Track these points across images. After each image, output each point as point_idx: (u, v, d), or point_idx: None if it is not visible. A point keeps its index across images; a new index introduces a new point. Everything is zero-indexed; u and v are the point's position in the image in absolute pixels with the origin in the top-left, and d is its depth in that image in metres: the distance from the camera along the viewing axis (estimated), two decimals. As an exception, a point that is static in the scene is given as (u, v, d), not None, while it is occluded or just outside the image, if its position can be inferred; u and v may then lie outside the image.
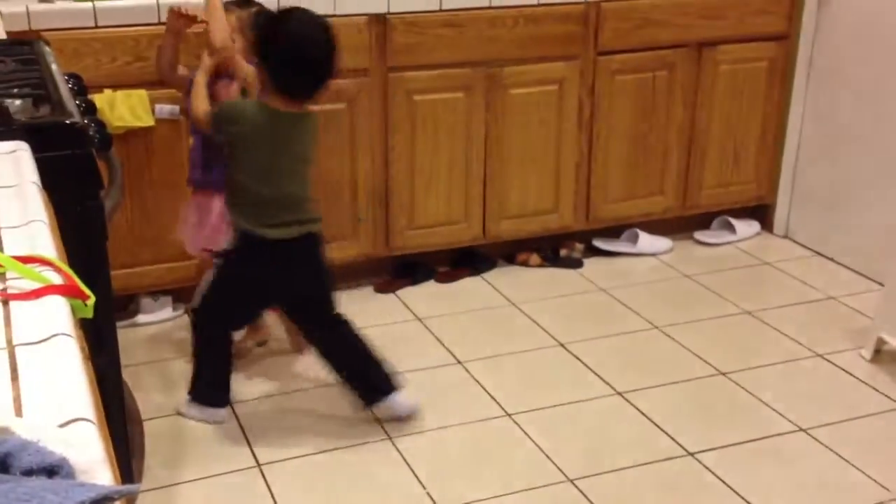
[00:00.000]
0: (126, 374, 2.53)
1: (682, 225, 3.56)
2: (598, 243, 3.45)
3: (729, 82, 3.39)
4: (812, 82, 3.40)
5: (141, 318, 2.93)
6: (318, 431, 2.41)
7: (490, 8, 3.00)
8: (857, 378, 2.66)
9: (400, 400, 2.41)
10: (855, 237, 3.30)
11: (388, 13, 2.89)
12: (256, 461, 2.30)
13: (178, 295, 2.99)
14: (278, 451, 2.33)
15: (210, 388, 2.45)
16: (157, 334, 2.88)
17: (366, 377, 2.42)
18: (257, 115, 2.24)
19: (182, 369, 2.68)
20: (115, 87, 2.66)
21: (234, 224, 2.33)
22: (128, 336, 2.83)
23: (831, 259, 3.40)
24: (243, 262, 2.33)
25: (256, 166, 2.26)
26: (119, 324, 2.88)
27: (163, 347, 2.81)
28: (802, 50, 3.39)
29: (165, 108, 2.73)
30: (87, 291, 0.89)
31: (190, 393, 2.46)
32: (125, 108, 2.67)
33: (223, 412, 2.45)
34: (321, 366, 2.47)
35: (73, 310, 0.88)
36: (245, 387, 2.60)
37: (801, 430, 2.42)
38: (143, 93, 2.69)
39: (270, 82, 2.23)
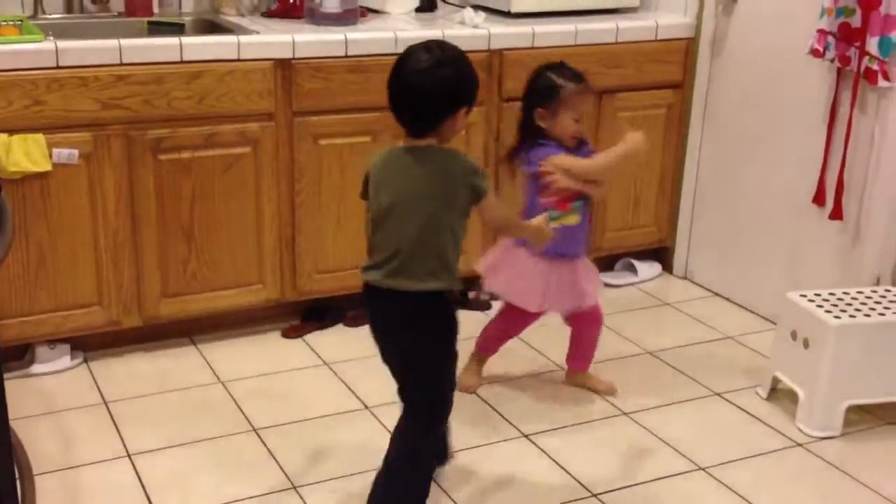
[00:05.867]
0: (18, 427, 2.45)
1: (586, 267, 3.63)
2: (506, 286, 3.49)
3: (631, 127, 3.48)
4: (706, 129, 3.53)
5: (37, 367, 2.84)
6: (217, 487, 2.35)
7: (395, 54, 3.00)
8: (754, 416, 2.74)
9: None
10: (749, 278, 3.42)
11: (294, 58, 2.90)
12: (156, 515, 2.24)
13: (76, 343, 2.91)
14: None
15: None
16: (54, 385, 2.79)
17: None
18: (381, 154, 2.11)
19: (79, 421, 2.60)
20: (11, 131, 2.59)
21: None
22: (22, 386, 2.74)
23: (728, 300, 3.51)
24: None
25: (373, 206, 2.09)
26: (13, 374, 2.79)
27: (59, 398, 2.72)
28: (697, 98, 3.52)
29: (63, 153, 2.67)
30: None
31: None
32: (21, 153, 2.61)
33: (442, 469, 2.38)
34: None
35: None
36: (144, 440, 2.53)
37: (700, 468, 2.48)
38: (40, 137, 2.63)
39: None
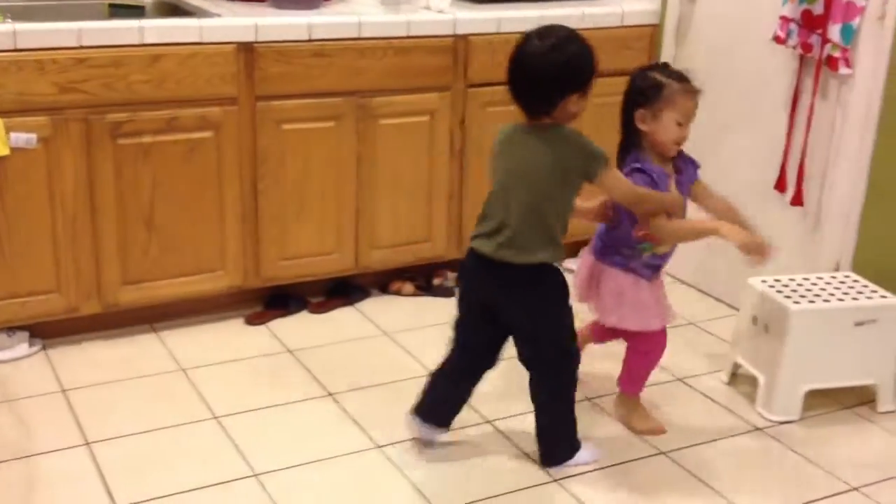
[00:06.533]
0: (-27, 416, 2.42)
1: (552, 253, 3.63)
2: (471, 272, 3.48)
3: (595, 116, 3.46)
4: (672, 116, 3.54)
5: (-6, 355, 2.81)
6: (177, 476, 2.32)
7: (359, 39, 3.01)
8: (716, 401, 2.76)
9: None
10: (712, 265, 3.43)
11: (256, 42, 2.87)
12: None
13: (35, 330, 2.87)
14: (138, 493, 2.25)
15: (427, 407, 2.45)
16: (11, 372, 2.75)
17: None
18: (504, 128, 2.26)
19: (37, 409, 2.57)
20: (-34, 114, 2.55)
21: None
22: (-21, 374, 2.71)
23: (692, 286, 3.53)
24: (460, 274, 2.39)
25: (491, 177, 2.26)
26: (-32, 362, 2.75)
27: (16, 386, 2.68)
28: (663, 85, 3.52)
29: (21, 137, 2.63)
30: None
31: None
32: (-23, 137, 2.57)
33: (439, 433, 2.46)
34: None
35: None
36: (103, 428, 2.50)
37: (661, 452, 2.49)
38: (-4, 120, 2.59)
39: None
